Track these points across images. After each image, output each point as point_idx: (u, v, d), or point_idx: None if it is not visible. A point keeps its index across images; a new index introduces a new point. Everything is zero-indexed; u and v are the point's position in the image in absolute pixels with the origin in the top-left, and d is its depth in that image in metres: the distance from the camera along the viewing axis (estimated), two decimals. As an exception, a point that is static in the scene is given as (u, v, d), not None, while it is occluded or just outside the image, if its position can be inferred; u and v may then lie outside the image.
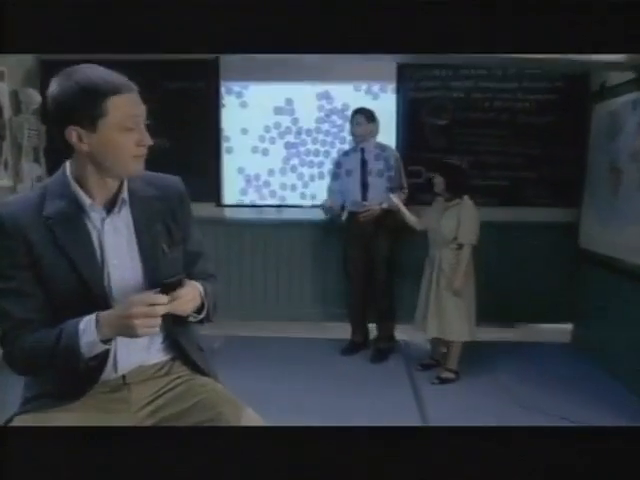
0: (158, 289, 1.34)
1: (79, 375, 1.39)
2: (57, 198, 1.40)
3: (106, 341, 1.34)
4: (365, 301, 4.12)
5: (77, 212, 1.41)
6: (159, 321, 1.32)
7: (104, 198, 1.44)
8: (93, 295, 1.39)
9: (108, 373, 1.47)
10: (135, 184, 1.47)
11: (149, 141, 1.38)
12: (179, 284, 1.36)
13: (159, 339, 1.54)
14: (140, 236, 1.47)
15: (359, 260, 4.00)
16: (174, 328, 1.49)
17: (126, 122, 1.34)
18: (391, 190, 3.90)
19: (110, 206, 1.44)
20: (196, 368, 1.58)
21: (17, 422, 1.42)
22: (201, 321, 1.51)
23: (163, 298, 1.32)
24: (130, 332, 1.30)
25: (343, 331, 4.27)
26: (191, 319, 1.48)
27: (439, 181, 3.52)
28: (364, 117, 3.92)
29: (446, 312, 3.50)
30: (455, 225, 3.44)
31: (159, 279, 1.39)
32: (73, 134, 1.34)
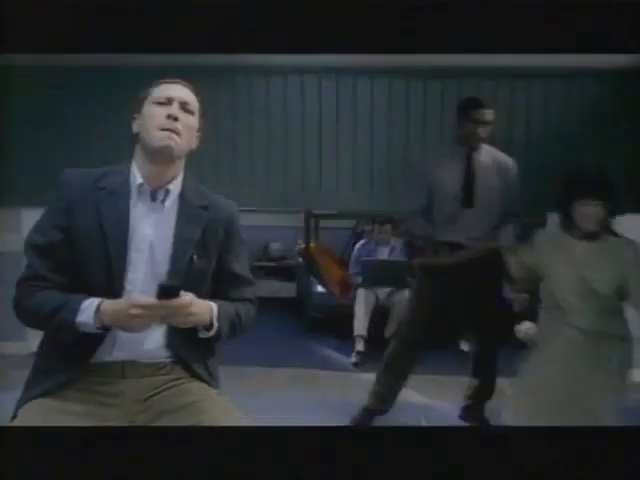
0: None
1: (75, 349, 1.46)
2: (116, 175, 1.56)
3: (101, 327, 1.41)
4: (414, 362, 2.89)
5: (126, 190, 1.53)
6: (154, 319, 1.41)
7: (155, 185, 1.54)
8: (111, 270, 1.47)
9: (103, 354, 1.50)
10: (190, 191, 1.60)
11: (176, 113, 1.51)
12: (175, 292, 1.39)
13: (162, 339, 1.56)
14: (177, 236, 1.53)
15: (442, 309, 2.73)
16: (178, 334, 1.54)
17: (159, 98, 1.53)
18: (506, 217, 2.73)
19: (155, 195, 1.54)
20: (195, 375, 1.59)
21: (21, 412, 1.45)
22: (214, 339, 1.55)
23: (159, 304, 1.38)
24: (125, 328, 1.42)
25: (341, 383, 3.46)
26: (200, 334, 1.54)
27: (598, 212, 2.17)
28: (493, 112, 2.67)
29: (602, 394, 2.24)
30: (617, 275, 2.18)
31: (178, 282, 1.46)
32: (133, 121, 1.57)
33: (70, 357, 1.47)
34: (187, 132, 1.54)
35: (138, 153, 1.57)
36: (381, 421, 2.69)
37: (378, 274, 4.46)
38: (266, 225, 5.76)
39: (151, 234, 1.52)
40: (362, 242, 4.90)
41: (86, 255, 1.47)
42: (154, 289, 1.41)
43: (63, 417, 1.42)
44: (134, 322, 1.37)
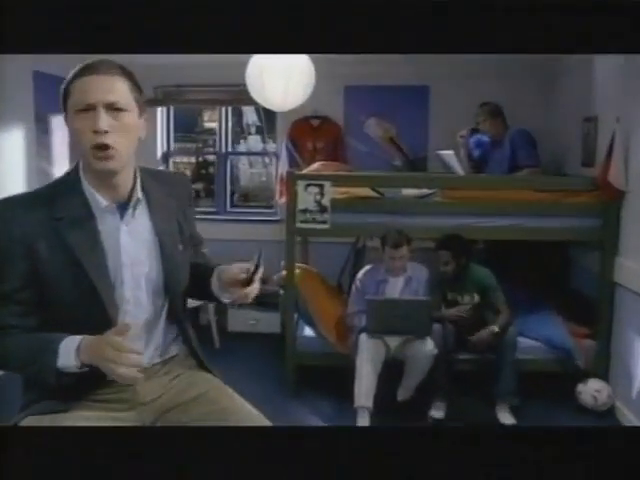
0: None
1: (80, 380, 1.41)
2: (68, 198, 1.43)
3: (83, 367, 1.33)
4: None
5: (89, 213, 1.43)
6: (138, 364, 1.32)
7: (117, 197, 1.45)
8: (100, 299, 1.40)
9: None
10: (147, 182, 1.52)
11: (102, 127, 1.35)
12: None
13: (163, 336, 1.56)
14: (161, 237, 1.51)
15: None
16: (189, 327, 1.60)
17: (79, 105, 1.36)
18: None
19: (125, 206, 1.47)
20: (203, 366, 1.63)
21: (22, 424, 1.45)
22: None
23: (132, 345, 1.30)
24: (107, 371, 1.30)
25: None
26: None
27: None
28: None
29: None
30: None
31: (177, 279, 1.53)
32: (66, 123, 1.44)
33: (71, 389, 1.41)
34: (125, 136, 1.38)
35: (84, 165, 1.44)
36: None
37: (389, 319, 3.33)
38: (240, 239, 4.54)
39: (131, 243, 1.47)
40: (367, 268, 3.70)
41: (66, 290, 1.39)
42: (156, 292, 1.50)
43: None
44: (112, 366, 1.26)
